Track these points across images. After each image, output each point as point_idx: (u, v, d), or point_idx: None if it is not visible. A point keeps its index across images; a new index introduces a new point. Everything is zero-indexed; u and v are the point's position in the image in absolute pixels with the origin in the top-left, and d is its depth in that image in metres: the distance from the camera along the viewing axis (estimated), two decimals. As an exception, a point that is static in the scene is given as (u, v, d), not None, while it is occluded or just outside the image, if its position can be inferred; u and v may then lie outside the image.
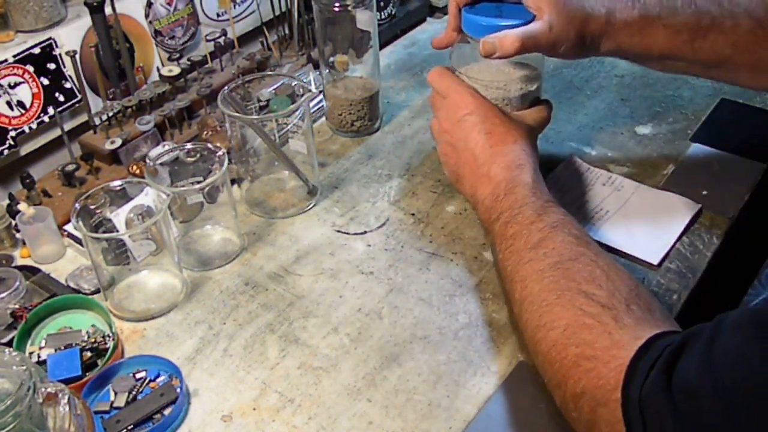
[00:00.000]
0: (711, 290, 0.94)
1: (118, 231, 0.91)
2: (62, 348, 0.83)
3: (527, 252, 0.75)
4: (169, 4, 1.20)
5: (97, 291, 0.92)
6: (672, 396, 0.55)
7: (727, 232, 0.97)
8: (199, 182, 0.94)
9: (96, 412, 0.77)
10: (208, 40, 1.22)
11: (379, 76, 1.19)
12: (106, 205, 0.92)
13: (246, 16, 1.33)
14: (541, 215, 0.78)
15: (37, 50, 1.05)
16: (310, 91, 1.04)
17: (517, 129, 0.89)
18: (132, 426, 0.76)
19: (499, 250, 0.81)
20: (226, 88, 1.01)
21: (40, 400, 0.65)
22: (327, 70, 1.17)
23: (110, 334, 0.85)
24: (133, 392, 0.79)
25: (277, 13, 1.32)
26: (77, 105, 1.11)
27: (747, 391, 0.51)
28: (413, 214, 1.03)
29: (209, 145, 0.96)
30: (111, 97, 1.13)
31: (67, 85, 1.09)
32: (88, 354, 0.83)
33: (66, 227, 0.99)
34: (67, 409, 0.67)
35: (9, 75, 1.03)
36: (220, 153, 0.94)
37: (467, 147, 0.89)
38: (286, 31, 1.33)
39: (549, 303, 0.70)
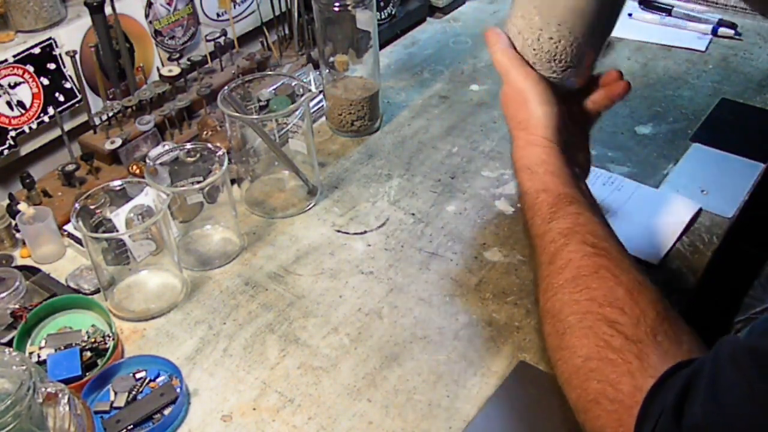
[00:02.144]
0: (711, 290, 0.94)
1: (118, 231, 0.91)
2: (62, 348, 0.83)
3: (546, 266, 0.72)
4: (169, 4, 1.20)
5: (97, 291, 0.92)
6: None
7: (727, 232, 0.97)
8: (199, 182, 0.94)
9: (96, 412, 0.77)
10: (208, 40, 1.22)
11: (379, 76, 1.19)
12: (106, 205, 0.92)
13: (246, 16, 1.33)
14: (551, 218, 0.73)
15: (37, 50, 1.05)
16: (310, 91, 1.04)
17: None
18: (132, 426, 0.76)
19: (528, 236, 0.77)
20: (226, 88, 1.01)
21: (40, 400, 0.65)
22: (327, 70, 1.17)
23: (110, 334, 0.85)
24: (133, 392, 0.79)
25: (277, 13, 1.32)
26: (77, 105, 1.11)
27: (761, 426, 0.51)
28: (413, 214, 1.03)
29: (209, 145, 0.96)
30: (111, 97, 1.13)
31: (67, 85, 1.09)
32: (88, 354, 0.83)
33: (66, 227, 0.99)
34: (67, 409, 0.67)
35: (9, 75, 1.03)
36: (220, 153, 0.94)
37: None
38: (286, 31, 1.33)
39: (570, 325, 0.66)
